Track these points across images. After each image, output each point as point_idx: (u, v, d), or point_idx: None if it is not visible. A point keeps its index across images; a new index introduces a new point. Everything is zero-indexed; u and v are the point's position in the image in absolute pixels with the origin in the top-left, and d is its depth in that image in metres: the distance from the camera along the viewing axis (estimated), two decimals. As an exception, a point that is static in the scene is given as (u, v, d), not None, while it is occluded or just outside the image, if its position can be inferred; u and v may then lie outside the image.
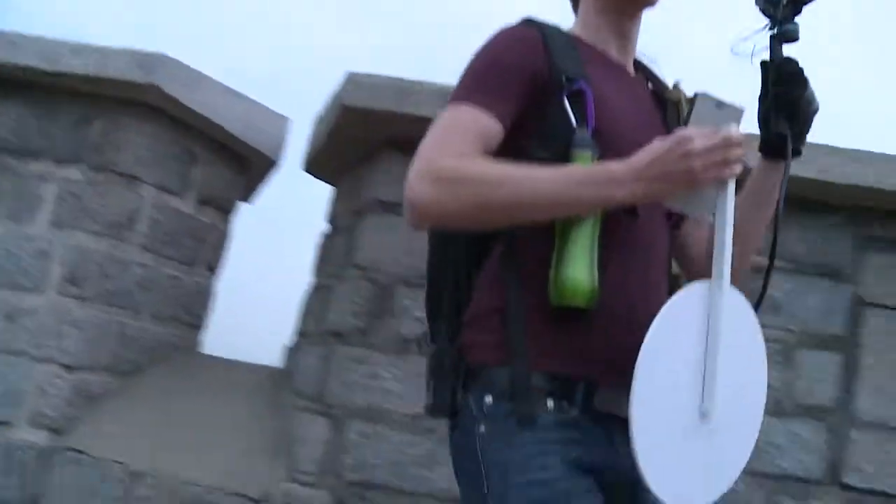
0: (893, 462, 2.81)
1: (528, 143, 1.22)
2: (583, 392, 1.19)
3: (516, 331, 1.22)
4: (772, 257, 1.21)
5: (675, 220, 1.41)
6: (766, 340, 1.23)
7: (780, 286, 2.89)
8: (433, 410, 1.28)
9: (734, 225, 1.18)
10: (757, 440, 1.24)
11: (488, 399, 1.21)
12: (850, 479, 2.81)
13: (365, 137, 3.28)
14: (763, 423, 1.21)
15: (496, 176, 1.14)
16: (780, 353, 2.87)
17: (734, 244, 1.17)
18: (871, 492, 2.79)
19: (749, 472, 2.55)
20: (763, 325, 1.21)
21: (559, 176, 1.14)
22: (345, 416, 3.00)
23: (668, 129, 1.30)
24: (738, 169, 1.15)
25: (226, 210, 4.34)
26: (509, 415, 1.18)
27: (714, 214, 1.19)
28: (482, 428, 1.21)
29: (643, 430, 1.08)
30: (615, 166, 1.14)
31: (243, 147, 4.14)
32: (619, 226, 1.22)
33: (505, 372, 1.20)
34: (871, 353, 2.90)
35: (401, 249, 3.03)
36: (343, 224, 3.58)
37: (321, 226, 4.01)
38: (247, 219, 4.85)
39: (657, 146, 1.12)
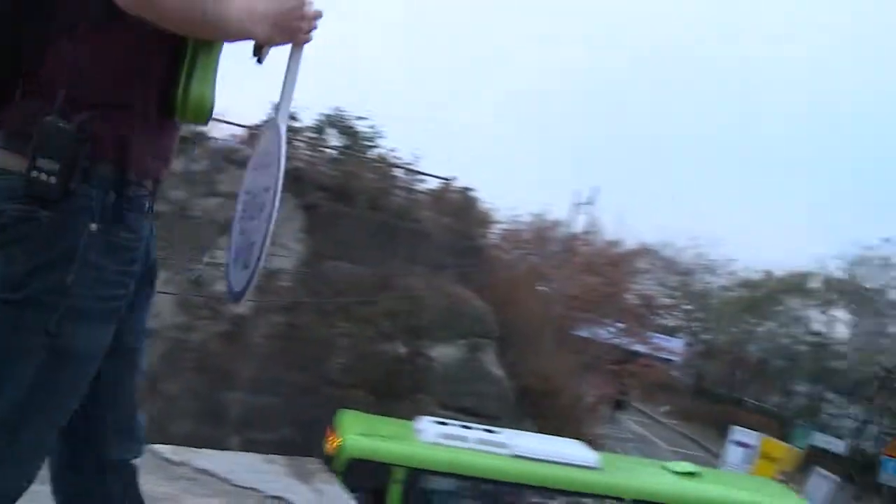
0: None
1: None
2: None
3: (143, 135, 1.37)
4: None
5: None
6: None
7: None
8: (51, 190, 1.27)
9: None
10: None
11: (111, 197, 1.33)
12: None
13: None
14: None
15: None
16: None
17: None
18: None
19: None
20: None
21: (240, 4, 1.37)
22: None
23: None
24: (312, 37, 1.55)
25: None
26: (121, 221, 1.35)
27: (284, 66, 1.54)
28: (94, 226, 1.31)
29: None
30: (259, 5, 1.41)
31: None
32: None
33: (121, 173, 1.35)
34: None
35: None
36: None
37: None
38: None
39: (288, 2, 1.47)
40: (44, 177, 1.25)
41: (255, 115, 20.70)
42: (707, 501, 11.78)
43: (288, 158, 1.57)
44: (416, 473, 10.20)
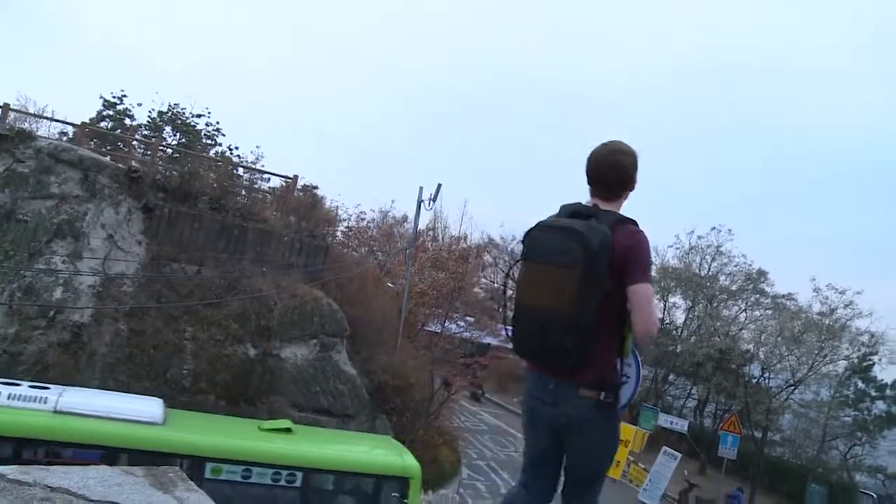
0: None
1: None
2: None
3: (620, 369, 3.39)
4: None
5: None
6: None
7: None
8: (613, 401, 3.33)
9: None
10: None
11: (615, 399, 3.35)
12: None
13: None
14: None
15: None
16: None
17: None
18: None
19: None
20: None
21: None
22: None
23: None
24: None
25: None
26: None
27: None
28: (615, 412, 3.35)
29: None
30: None
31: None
32: None
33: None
34: None
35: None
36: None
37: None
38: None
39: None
40: (607, 400, 3.23)
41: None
42: (277, 455, 11.56)
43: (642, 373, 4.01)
44: None
